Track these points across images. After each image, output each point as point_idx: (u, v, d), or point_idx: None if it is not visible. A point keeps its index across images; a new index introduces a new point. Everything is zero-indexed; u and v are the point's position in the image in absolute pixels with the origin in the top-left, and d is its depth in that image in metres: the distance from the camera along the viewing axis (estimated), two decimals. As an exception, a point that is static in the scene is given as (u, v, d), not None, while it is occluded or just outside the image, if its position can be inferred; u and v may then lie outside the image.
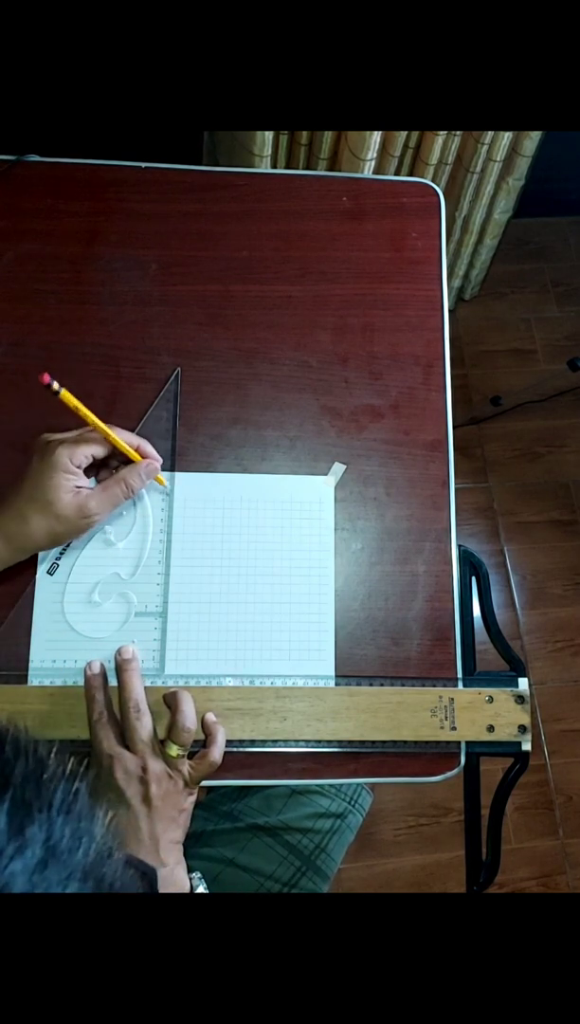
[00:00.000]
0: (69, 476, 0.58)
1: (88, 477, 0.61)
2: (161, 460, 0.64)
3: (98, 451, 0.60)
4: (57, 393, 0.56)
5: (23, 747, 0.27)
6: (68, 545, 0.64)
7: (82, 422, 0.59)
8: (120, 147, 0.82)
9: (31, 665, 0.62)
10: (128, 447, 0.61)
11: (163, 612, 0.64)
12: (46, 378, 0.54)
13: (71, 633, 0.62)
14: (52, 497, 0.58)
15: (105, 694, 0.59)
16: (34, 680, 0.61)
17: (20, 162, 0.73)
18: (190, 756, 0.57)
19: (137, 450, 0.62)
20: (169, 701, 0.57)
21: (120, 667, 0.58)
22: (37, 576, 0.63)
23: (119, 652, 0.60)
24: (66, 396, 0.56)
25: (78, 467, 0.59)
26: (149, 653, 0.63)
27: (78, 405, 0.58)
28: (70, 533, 0.60)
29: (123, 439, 0.61)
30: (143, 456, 0.63)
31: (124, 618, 0.63)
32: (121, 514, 0.65)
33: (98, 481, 0.62)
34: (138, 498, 0.66)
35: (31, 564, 0.63)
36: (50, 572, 0.63)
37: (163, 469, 0.65)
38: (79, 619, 0.63)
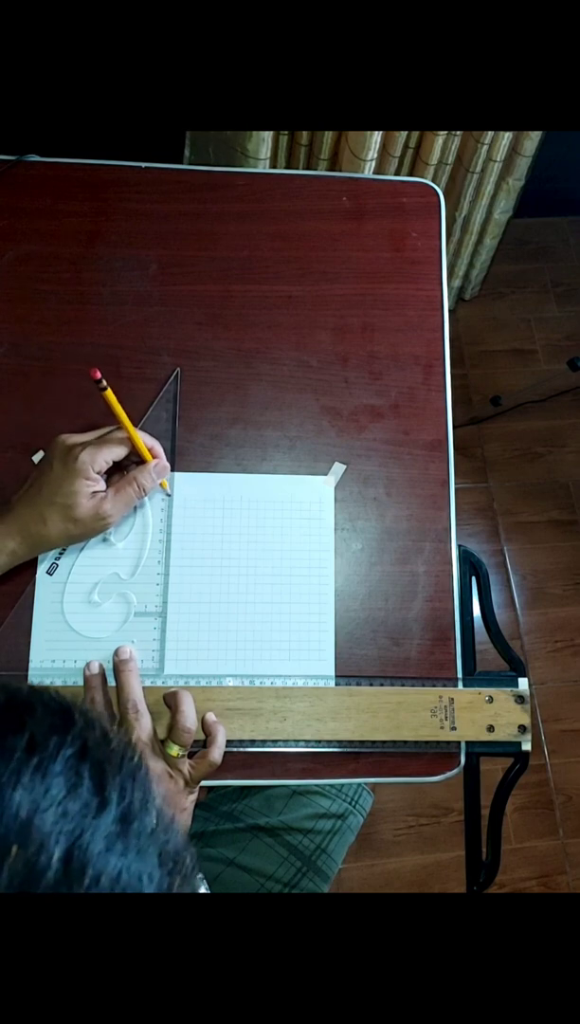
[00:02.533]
0: (89, 482, 0.59)
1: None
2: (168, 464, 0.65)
3: (119, 454, 0.61)
4: (104, 390, 0.57)
5: (91, 718, 0.29)
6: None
7: (88, 422, 0.59)
8: (112, 147, 0.82)
9: (31, 665, 0.62)
10: (145, 449, 0.62)
11: (163, 612, 0.64)
12: (96, 374, 0.56)
13: (71, 633, 0.62)
14: (72, 502, 0.58)
15: (104, 694, 0.59)
16: (34, 680, 0.61)
17: (20, 162, 0.73)
18: (190, 756, 0.57)
19: (150, 451, 0.63)
20: (169, 701, 0.57)
21: (117, 668, 0.58)
22: (37, 576, 0.63)
23: (117, 653, 0.60)
24: (109, 395, 0.58)
25: (99, 472, 0.60)
26: (149, 653, 0.63)
27: (117, 406, 0.59)
28: (85, 535, 0.61)
29: (141, 440, 0.62)
30: (155, 456, 0.63)
31: (124, 618, 0.63)
32: (121, 514, 0.65)
33: (109, 482, 0.62)
34: (138, 498, 0.66)
35: (31, 564, 0.63)
36: (50, 572, 0.63)
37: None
38: (79, 619, 0.63)
